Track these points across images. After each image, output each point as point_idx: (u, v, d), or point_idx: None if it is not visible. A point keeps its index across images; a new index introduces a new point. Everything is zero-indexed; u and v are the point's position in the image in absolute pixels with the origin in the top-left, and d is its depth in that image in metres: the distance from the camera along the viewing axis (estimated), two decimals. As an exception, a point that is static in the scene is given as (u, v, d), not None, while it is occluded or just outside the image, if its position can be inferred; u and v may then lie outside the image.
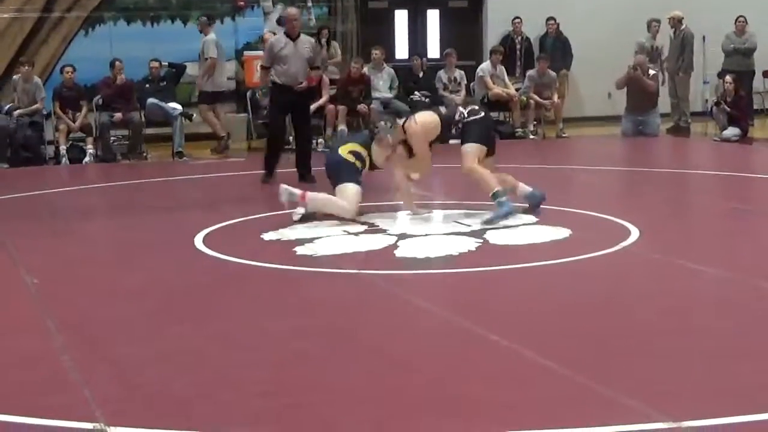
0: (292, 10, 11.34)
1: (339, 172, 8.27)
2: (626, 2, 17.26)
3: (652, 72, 15.56)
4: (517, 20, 16.76)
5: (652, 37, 16.30)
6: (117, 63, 13.86)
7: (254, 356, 4.82)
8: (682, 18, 16.13)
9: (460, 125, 8.19)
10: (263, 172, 10.77)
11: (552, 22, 16.91)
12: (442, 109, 8.61)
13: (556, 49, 16.74)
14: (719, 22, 16.70)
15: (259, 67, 11.48)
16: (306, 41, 11.03)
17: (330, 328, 5.30)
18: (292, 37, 10.88)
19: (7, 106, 13.55)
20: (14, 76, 13.92)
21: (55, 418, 3.95)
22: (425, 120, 8.20)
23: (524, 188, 8.41)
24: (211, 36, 14.25)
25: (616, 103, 16.43)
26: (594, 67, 16.55)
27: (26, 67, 13.78)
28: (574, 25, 17.09)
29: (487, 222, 7.82)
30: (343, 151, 8.34)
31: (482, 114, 8.37)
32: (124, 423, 3.86)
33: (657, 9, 16.42)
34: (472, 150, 8.10)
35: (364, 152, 8.29)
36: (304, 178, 10.52)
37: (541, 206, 8.41)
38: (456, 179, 9.06)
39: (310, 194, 8.26)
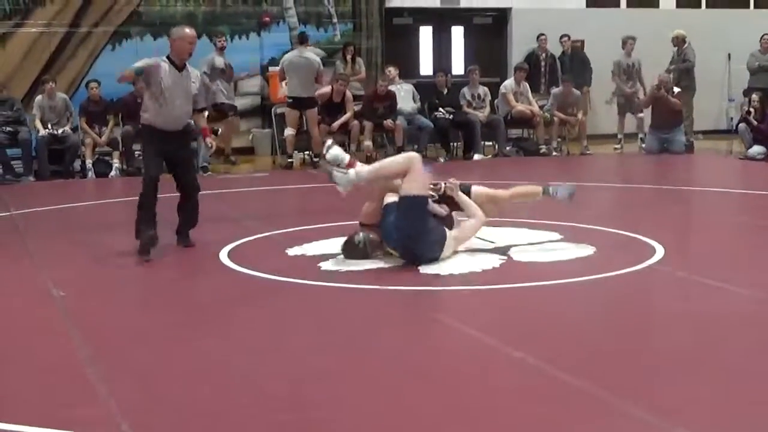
0: (188, 32, 8.02)
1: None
2: (646, 21, 17.25)
3: (676, 90, 15.56)
4: (542, 37, 16.79)
5: (626, 55, 16.26)
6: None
7: (278, 371, 4.83)
8: (686, 37, 16.14)
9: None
10: (139, 243, 7.74)
11: (566, 39, 16.94)
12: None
13: (574, 66, 16.74)
14: (744, 40, 16.69)
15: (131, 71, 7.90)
16: (193, 74, 8.13)
17: (353, 344, 5.31)
18: (179, 66, 7.95)
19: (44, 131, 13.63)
20: (37, 97, 14.00)
21: (80, 430, 3.98)
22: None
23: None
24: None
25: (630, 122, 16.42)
26: (612, 85, 16.49)
27: (50, 84, 13.89)
28: (595, 43, 17.13)
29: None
30: None
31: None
32: (150, 436, 3.90)
33: (675, 27, 16.40)
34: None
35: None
36: (181, 240, 8.19)
37: (566, 223, 8.42)
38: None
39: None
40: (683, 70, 16.08)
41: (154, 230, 7.68)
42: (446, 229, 7.26)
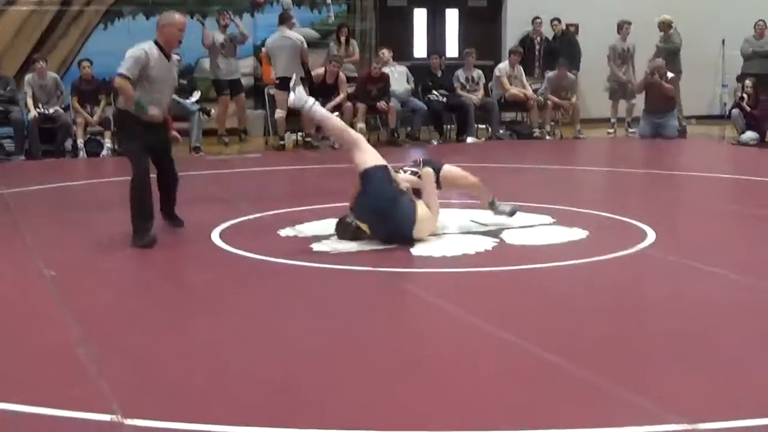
0: (178, 18, 7.62)
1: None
2: (642, 5, 17.19)
3: (670, 75, 15.56)
4: (537, 20, 16.76)
5: (622, 39, 16.25)
6: None
7: (269, 352, 4.82)
8: (672, 22, 16.16)
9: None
10: (136, 235, 7.35)
11: (556, 22, 16.91)
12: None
13: (563, 50, 16.68)
14: (738, 26, 16.67)
15: (118, 80, 7.39)
16: (175, 62, 7.89)
17: (345, 326, 5.30)
18: (167, 53, 7.57)
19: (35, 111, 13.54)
20: (27, 76, 13.93)
21: (72, 409, 3.96)
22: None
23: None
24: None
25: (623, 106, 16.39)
26: (605, 70, 16.44)
27: (40, 64, 13.82)
28: (590, 27, 17.11)
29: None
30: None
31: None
32: (141, 415, 3.87)
33: (670, 11, 16.39)
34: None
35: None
36: (172, 220, 8.02)
37: (559, 207, 8.43)
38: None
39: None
40: (670, 53, 16.08)
41: (154, 234, 7.37)
42: (417, 204, 7.26)
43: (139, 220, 7.37)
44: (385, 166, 7.26)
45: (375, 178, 7.15)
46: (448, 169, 7.76)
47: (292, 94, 7.57)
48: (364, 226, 7.19)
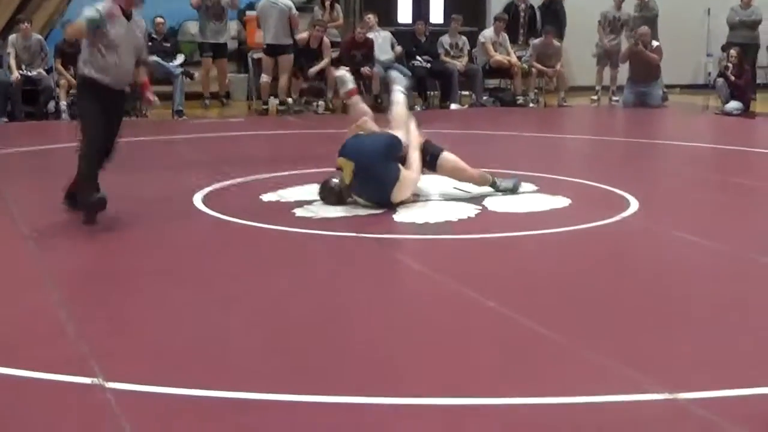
0: None
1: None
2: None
3: (655, 44, 15.54)
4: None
5: (616, 8, 16.21)
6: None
7: (252, 317, 4.82)
8: None
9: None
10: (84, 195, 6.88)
11: None
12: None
13: (548, 18, 16.61)
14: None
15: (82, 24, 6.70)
16: (141, 23, 7.07)
17: (327, 291, 5.31)
18: (126, 13, 6.82)
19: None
20: (10, 36, 13.79)
21: (53, 372, 3.95)
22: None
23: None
24: None
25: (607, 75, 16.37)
26: (591, 39, 16.41)
27: (25, 25, 13.70)
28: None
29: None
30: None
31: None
32: (123, 379, 3.86)
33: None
34: None
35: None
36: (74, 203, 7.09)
37: (543, 175, 8.44)
38: (458, 146, 9.01)
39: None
40: (646, 21, 16.04)
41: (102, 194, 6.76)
42: (401, 168, 7.25)
43: (84, 194, 6.83)
44: (401, 141, 7.40)
45: (387, 137, 7.40)
46: (446, 157, 7.74)
47: (399, 74, 8.62)
48: (346, 166, 7.16)
